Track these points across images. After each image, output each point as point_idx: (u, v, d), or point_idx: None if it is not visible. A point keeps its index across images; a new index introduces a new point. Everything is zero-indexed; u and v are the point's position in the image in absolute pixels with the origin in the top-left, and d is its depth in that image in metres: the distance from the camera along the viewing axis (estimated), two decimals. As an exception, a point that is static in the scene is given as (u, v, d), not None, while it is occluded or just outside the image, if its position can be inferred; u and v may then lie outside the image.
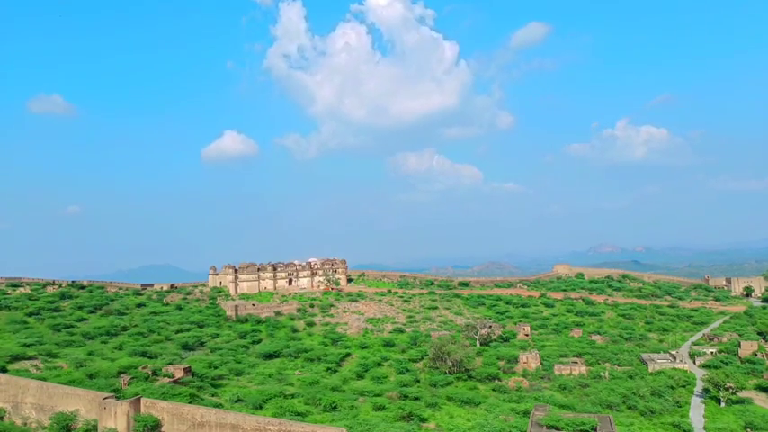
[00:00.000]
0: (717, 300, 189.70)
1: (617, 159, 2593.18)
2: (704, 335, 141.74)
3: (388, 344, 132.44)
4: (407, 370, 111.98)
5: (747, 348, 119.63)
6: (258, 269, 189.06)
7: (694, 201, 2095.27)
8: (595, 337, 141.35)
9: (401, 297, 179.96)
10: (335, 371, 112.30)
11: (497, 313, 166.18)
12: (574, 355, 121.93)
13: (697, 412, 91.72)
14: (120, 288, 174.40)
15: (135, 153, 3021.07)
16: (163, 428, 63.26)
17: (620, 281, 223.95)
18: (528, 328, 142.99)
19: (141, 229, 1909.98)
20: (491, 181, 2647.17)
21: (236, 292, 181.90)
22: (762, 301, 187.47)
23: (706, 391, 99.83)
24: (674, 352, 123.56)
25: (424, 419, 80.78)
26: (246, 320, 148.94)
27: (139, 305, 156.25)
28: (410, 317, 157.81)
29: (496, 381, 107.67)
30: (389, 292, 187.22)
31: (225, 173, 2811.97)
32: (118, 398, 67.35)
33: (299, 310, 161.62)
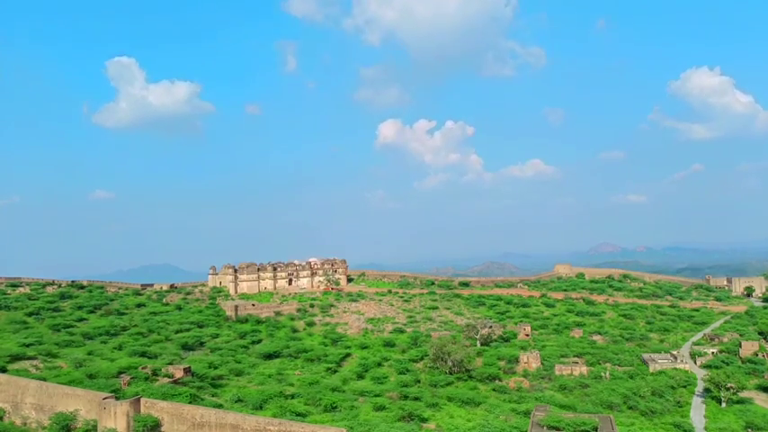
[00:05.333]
0: (718, 300, 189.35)
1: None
2: (705, 335, 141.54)
3: (389, 344, 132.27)
4: (408, 370, 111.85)
5: (748, 348, 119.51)
6: (258, 269, 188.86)
7: (700, 199, 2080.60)
8: (596, 338, 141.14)
9: (401, 297, 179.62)
10: (336, 371, 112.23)
11: (498, 313, 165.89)
12: (574, 356, 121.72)
13: (698, 412, 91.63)
14: (119, 288, 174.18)
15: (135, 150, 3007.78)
16: (163, 429, 63.08)
17: (620, 281, 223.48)
18: (528, 329, 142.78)
19: (141, 229, 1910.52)
20: (493, 169, 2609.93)
21: (236, 292, 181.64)
22: (763, 301, 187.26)
23: (707, 391, 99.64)
24: (674, 352, 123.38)
25: (424, 420, 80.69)
26: (246, 320, 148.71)
27: (139, 305, 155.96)
28: (410, 317, 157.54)
29: (497, 381, 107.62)
30: (390, 292, 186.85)
31: (225, 164, 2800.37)
32: (118, 398, 67.17)
33: (299, 310, 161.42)
